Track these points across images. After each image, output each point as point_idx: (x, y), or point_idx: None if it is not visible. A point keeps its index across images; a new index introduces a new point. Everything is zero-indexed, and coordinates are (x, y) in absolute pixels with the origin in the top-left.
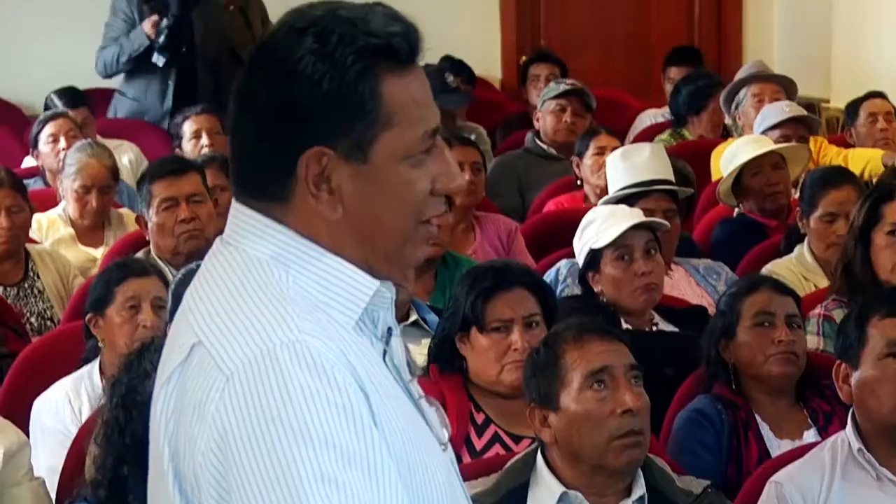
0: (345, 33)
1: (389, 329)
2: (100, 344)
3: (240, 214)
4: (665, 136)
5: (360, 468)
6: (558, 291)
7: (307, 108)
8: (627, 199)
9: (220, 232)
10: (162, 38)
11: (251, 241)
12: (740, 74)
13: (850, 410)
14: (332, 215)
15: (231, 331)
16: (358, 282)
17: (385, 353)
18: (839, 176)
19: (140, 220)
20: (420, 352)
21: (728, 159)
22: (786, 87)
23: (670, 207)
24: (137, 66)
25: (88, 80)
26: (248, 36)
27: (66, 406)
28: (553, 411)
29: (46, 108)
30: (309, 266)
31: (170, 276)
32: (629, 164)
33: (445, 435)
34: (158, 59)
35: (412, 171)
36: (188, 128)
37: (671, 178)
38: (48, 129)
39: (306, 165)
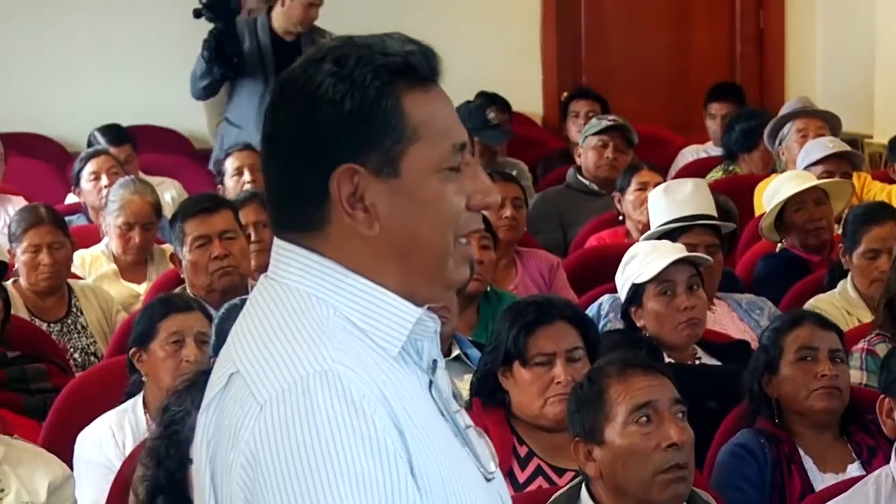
0: (362, 55)
1: (435, 361)
2: (143, 378)
3: (280, 250)
4: (717, 172)
5: (383, 498)
6: (601, 326)
7: (332, 129)
8: (670, 234)
9: (260, 268)
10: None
11: (292, 275)
12: (784, 110)
13: (894, 445)
14: (370, 233)
15: (268, 361)
16: (400, 310)
17: (431, 384)
18: (882, 212)
19: (174, 258)
20: (462, 387)
21: (771, 195)
22: (830, 123)
23: (713, 242)
24: (235, 91)
25: (132, 117)
26: None
27: (110, 439)
28: (598, 445)
29: (90, 144)
30: (350, 296)
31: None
32: (672, 199)
33: (493, 466)
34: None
35: (445, 185)
36: (230, 164)
37: (714, 212)
38: (90, 167)
39: (338, 184)
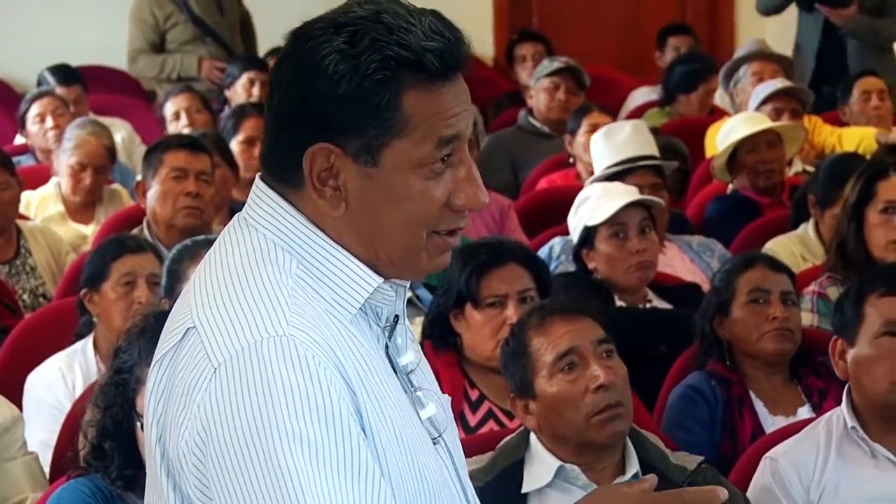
0: (378, 39)
1: (396, 316)
2: (94, 319)
3: (260, 193)
4: (654, 112)
5: (336, 464)
6: (552, 268)
7: (321, 104)
8: (613, 177)
9: (217, 210)
10: None
11: (264, 220)
12: (739, 53)
13: (846, 387)
14: (334, 212)
15: (224, 321)
16: (359, 276)
17: (387, 346)
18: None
19: (140, 186)
20: (414, 330)
21: (724, 135)
22: (784, 67)
23: (656, 182)
24: None
25: (82, 57)
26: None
27: (59, 380)
28: (532, 399)
29: (39, 84)
30: (314, 252)
31: (165, 253)
32: (611, 142)
33: (445, 425)
34: None
35: (424, 183)
36: (168, 109)
37: (655, 153)
38: (35, 108)
39: (311, 159)
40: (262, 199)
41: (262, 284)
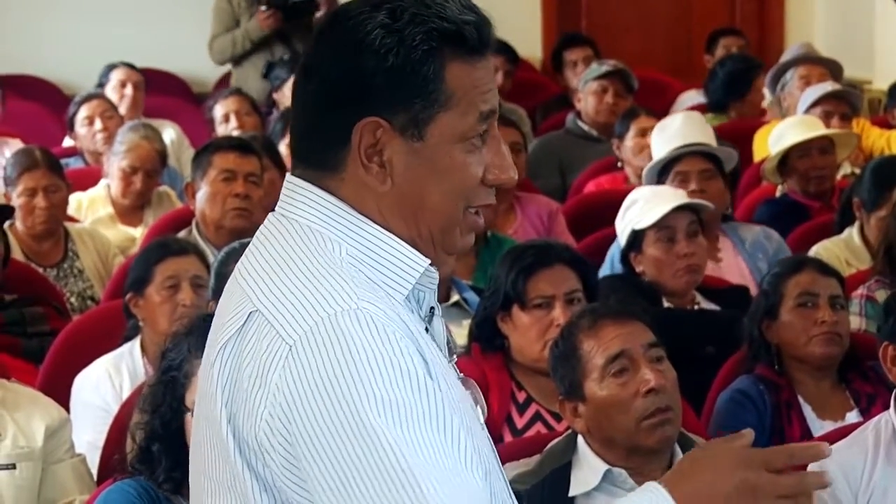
0: (418, 13)
1: (432, 309)
2: (140, 323)
3: (293, 186)
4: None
5: (427, 425)
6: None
7: (370, 79)
8: (665, 167)
9: (266, 212)
10: None
11: (303, 211)
12: (786, 56)
13: (894, 391)
14: (381, 188)
15: (290, 300)
16: (409, 258)
17: (427, 332)
18: None
19: (189, 188)
20: (461, 332)
21: (776, 138)
22: (832, 70)
23: (706, 168)
24: None
25: (130, 59)
26: None
27: (106, 382)
28: (581, 401)
29: (101, 85)
30: (360, 238)
31: (210, 256)
32: (663, 135)
33: (481, 415)
34: None
35: (466, 156)
36: (218, 112)
37: (708, 140)
38: (84, 111)
39: (360, 134)
40: (296, 192)
41: (320, 265)
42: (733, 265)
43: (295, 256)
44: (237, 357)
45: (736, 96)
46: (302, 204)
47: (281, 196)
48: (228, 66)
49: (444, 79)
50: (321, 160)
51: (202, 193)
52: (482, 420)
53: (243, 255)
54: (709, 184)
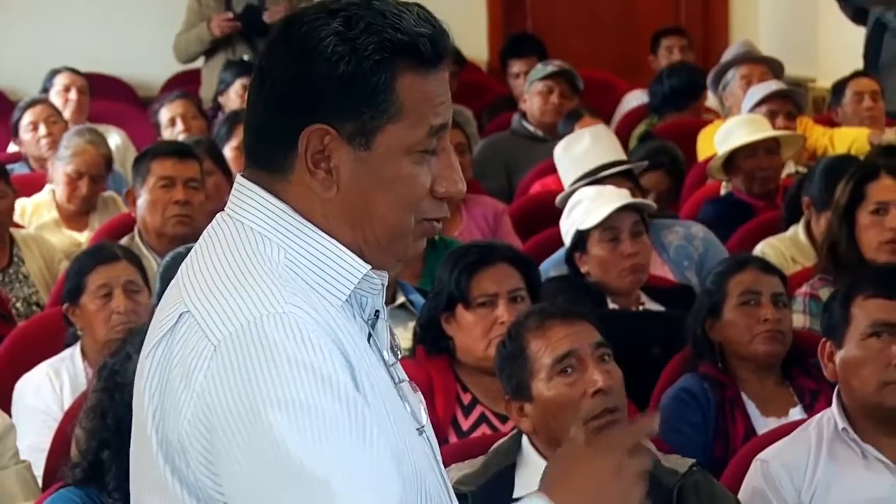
0: (373, 23)
1: (377, 312)
2: (78, 332)
3: (241, 188)
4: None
5: (345, 433)
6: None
7: (319, 86)
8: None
9: (210, 218)
10: None
11: (248, 213)
12: (727, 55)
13: (836, 389)
14: (326, 194)
15: (220, 302)
16: (348, 263)
17: (370, 336)
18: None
19: (130, 195)
20: (407, 335)
21: (723, 137)
22: (773, 69)
23: (628, 187)
24: None
25: (77, 64)
26: None
27: (47, 386)
28: (528, 401)
29: (45, 90)
30: (301, 242)
31: (153, 262)
32: (571, 155)
33: (424, 418)
34: None
35: (413, 168)
36: (164, 116)
37: (621, 155)
38: (28, 116)
39: (308, 140)
40: (243, 194)
41: (255, 268)
42: (659, 274)
43: (231, 258)
44: (167, 358)
45: (677, 109)
46: (247, 206)
47: (230, 196)
48: (174, 70)
49: (394, 90)
50: (270, 162)
51: (142, 201)
52: (424, 422)
53: (189, 255)
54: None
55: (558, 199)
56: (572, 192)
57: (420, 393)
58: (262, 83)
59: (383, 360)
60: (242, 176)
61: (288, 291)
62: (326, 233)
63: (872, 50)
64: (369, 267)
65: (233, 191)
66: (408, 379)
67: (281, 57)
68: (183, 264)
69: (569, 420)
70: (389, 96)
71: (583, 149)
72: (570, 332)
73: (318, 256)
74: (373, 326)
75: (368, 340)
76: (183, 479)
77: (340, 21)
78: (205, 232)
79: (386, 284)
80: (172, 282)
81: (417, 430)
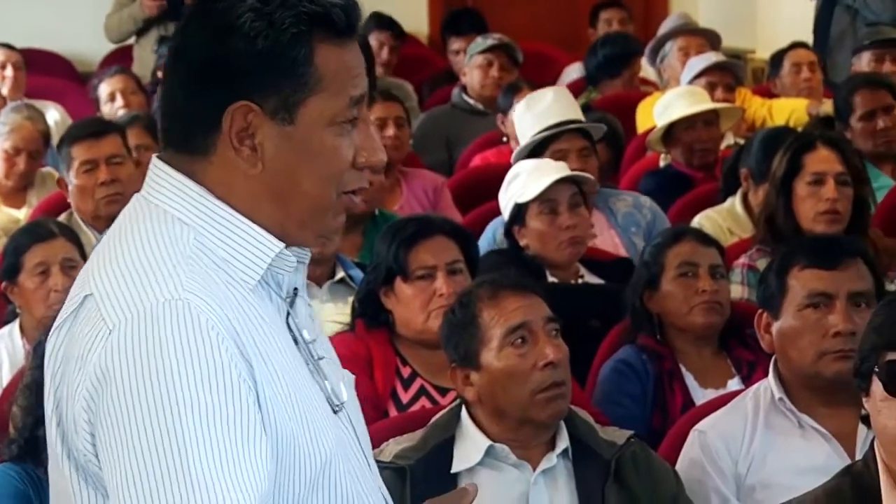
0: None
1: (296, 289)
2: (17, 310)
3: (156, 170)
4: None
5: (221, 424)
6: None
7: (240, 63)
8: (539, 145)
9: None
10: None
11: (161, 195)
12: (664, 27)
13: (773, 359)
14: (251, 171)
15: (121, 285)
16: (261, 242)
17: (288, 314)
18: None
19: (62, 182)
20: (346, 310)
21: (662, 109)
22: (711, 40)
23: (584, 146)
24: None
25: (14, 39)
26: None
27: None
28: (475, 370)
29: None
30: (214, 223)
31: (92, 238)
32: (534, 111)
33: (345, 395)
34: None
35: (336, 139)
36: (103, 90)
37: (580, 117)
38: None
39: (231, 118)
40: (158, 176)
41: (158, 251)
42: (607, 239)
43: (139, 240)
44: (69, 340)
45: (611, 76)
46: (161, 188)
47: (146, 178)
48: (113, 46)
49: (313, 62)
50: (191, 143)
51: (72, 188)
52: (344, 399)
53: (104, 236)
54: (587, 161)
55: (516, 152)
56: (531, 145)
57: (344, 370)
58: (178, 64)
59: (302, 338)
60: (158, 158)
61: (187, 277)
62: (246, 213)
63: (823, 23)
64: (282, 245)
65: (149, 172)
66: (329, 356)
67: (197, 36)
68: (97, 245)
69: (517, 391)
70: (309, 69)
71: (546, 104)
72: (524, 304)
73: (230, 237)
74: (292, 304)
75: (287, 320)
76: (76, 463)
77: None
78: (121, 213)
79: (306, 262)
80: (87, 262)
81: (334, 409)
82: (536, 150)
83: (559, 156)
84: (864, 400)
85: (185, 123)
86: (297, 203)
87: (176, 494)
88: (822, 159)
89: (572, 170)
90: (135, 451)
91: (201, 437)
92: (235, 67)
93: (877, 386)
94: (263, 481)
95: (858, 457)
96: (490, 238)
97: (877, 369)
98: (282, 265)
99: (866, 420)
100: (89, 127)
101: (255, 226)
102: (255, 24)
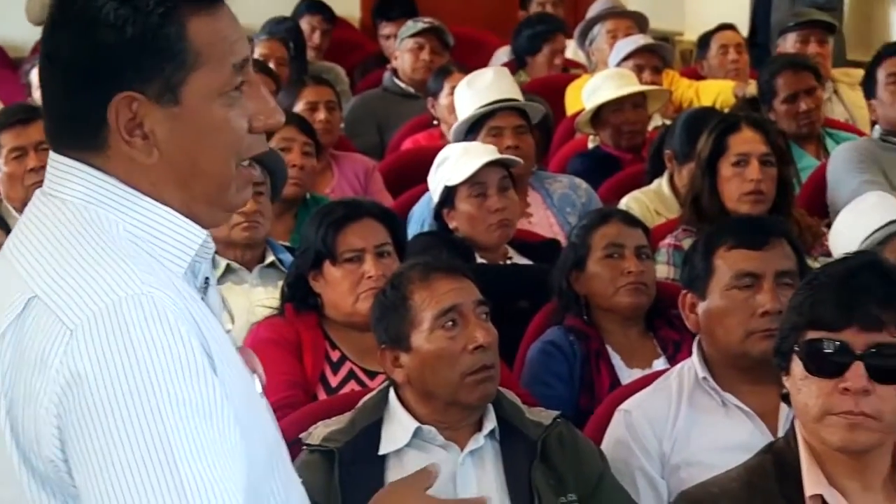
0: None
1: (207, 279)
2: None
3: (59, 164)
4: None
5: (202, 417)
6: (426, 226)
7: (112, 55)
8: (477, 123)
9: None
10: None
11: (73, 190)
12: (592, 10)
13: (696, 339)
14: (148, 160)
15: (71, 284)
16: (187, 230)
17: (204, 302)
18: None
19: None
20: (276, 294)
21: (590, 91)
22: (638, 23)
23: (520, 124)
24: None
25: None
26: None
27: None
28: (404, 352)
29: None
30: (136, 214)
31: None
32: (475, 89)
33: (258, 384)
34: None
35: (227, 111)
36: (34, 76)
37: (518, 96)
38: None
39: (116, 112)
40: (63, 171)
41: (99, 247)
42: (543, 219)
43: (71, 238)
44: (17, 345)
45: (534, 52)
46: (71, 182)
47: (47, 175)
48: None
49: (187, 38)
50: (82, 142)
51: (1, 175)
52: (260, 389)
53: (11, 235)
54: (522, 139)
55: (454, 129)
56: (470, 120)
57: (255, 357)
58: (54, 66)
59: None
60: (55, 153)
61: (142, 270)
62: (156, 199)
63: (761, 13)
64: (207, 232)
65: (49, 168)
66: (241, 344)
67: (65, 37)
68: (7, 244)
69: (447, 373)
70: (185, 45)
71: (486, 82)
72: (455, 287)
73: (155, 227)
74: (204, 293)
75: None
76: (36, 473)
77: None
78: (26, 211)
79: (213, 254)
80: (2, 265)
81: (258, 394)
82: (474, 126)
83: (495, 132)
84: (784, 378)
85: (72, 125)
86: (200, 182)
87: (167, 496)
88: (746, 140)
89: (508, 147)
90: (119, 453)
91: (187, 433)
92: (109, 60)
93: (796, 364)
94: (244, 476)
95: (780, 434)
96: (420, 217)
97: (796, 348)
98: (203, 252)
99: (786, 398)
100: (17, 114)
101: (177, 213)
102: (120, 13)
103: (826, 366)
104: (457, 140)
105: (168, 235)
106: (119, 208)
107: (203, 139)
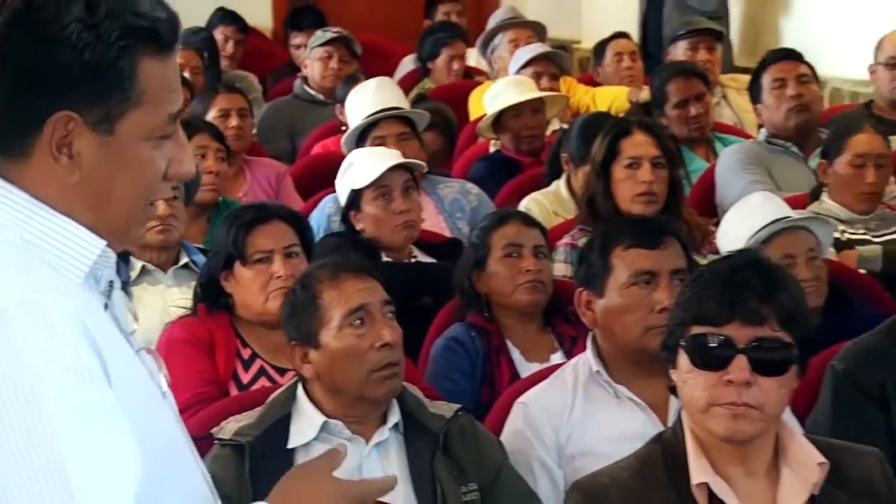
0: (114, 8)
1: (111, 282)
2: None
3: None
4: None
5: (90, 421)
6: (327, 227)
7: (66, 73)
8: (362, 133)
9: None
10: None
11: None
12: (493, 20)
13: (591, 334)
14: (69, 179)
15: None
16: (86, 241)
17: (106, 306)
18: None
19: None
20: (189, 294)
21: (492, 97)
22: (538, 32)
23: (402, 131)
24: None
25: None
26: None
27: None
28: (313, 348)
29: None
30: (37, 224)
31: None
32: (360, 101)
33: (164, 384)
34: None
35: (151, 152)
36: None
37: (401, 104)
38: None
39: (53, 127)
40: None
41: None
42: (434, 224)
43: None
44: None
45: (434, 56)
46: None
47: None
48: None
49: (137, 76)
50: (7, 145)
51: None
52: (165, 389)
53: None
54: (406, 145)
55: (344, 139)
56: (359, 129)
57: (160, 358)
58: (2, 66)
59: (121, 330)
60: None
61: (33, 276)
62: (62, 213)
63: (652, 26)
64: (105, 242)
65: None
66: (145, 348)
67: (22, 42)
68: None
69: (354, 370)
70: (133, 82)
71: (370, 93)
72: (363, 288)
73: (54, 236)
74: (109, 298)
75: (106, 312)
76: None
77: (81, 6)
78: None
79: (116, 259)
80: None
81: (162, 393)
82: (361, 136)
83: (379, 142)
84: (671, 372)
85: (5, 125)
86: (110, 211)
87: (57, 502)
88: (638, 144)
89: None
90: (7, 462)
91: (74, 438)
92: (61, 77)
93: (683, 358)
94: (135, 478)
95: (670, 425)
96: (317, 223)
97: (682, 342)
98: (102, 262)
99: (674, 390)
100: None
101: (77, 224)
102: (83, 36)
103: (710, 359)
104: (349, 150)
105: (66, 245)
106: (18, 217)
107: (125, 173)
